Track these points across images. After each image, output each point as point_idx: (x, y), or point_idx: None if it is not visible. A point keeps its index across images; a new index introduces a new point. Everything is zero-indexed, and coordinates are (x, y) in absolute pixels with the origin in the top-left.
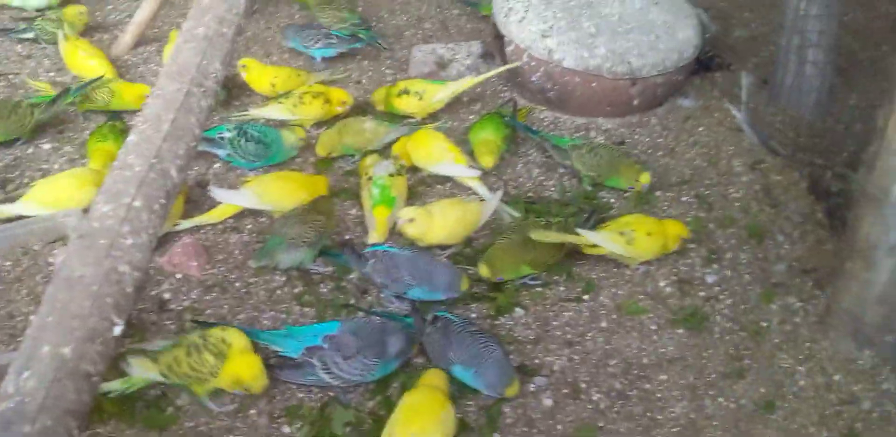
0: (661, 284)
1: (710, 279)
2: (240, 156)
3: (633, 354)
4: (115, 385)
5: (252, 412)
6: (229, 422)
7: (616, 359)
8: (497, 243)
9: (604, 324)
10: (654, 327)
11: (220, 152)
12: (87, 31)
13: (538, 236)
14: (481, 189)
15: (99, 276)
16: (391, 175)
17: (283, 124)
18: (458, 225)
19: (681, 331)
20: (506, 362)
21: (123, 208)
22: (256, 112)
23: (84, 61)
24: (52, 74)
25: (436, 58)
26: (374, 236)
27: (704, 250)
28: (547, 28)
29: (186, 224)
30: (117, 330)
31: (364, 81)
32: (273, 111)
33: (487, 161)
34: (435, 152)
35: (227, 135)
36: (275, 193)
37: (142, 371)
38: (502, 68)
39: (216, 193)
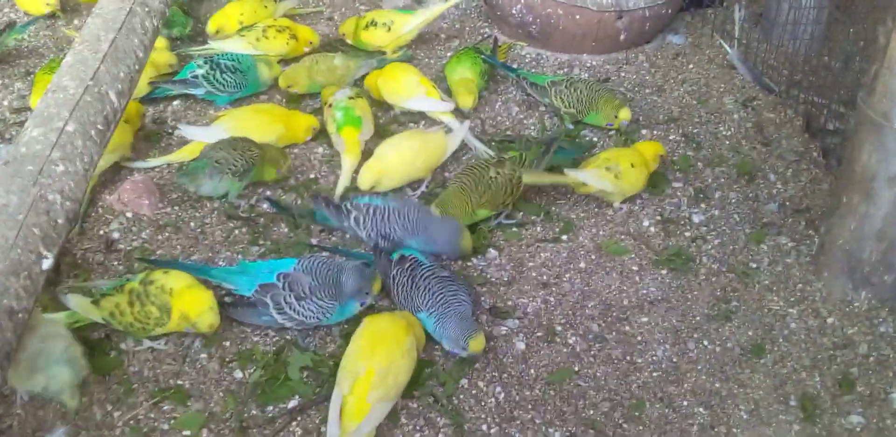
0: (645, 224)
1: (696, 219)
2: (218, 90)
3: (613, 296)
4: (58, 316)
5: (202, 356)
6: (177, 366)
7: (594, 301)
8: (450, 186)
9: (582, 264)
10: (635, 268)
11: (198, 91)
12: None
13: (529, 178)
14: (454, 124)
15: (25, 205)
16: (350, 98)
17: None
18: (416, 158)
19: (664, 272)
20: (470, 317)
21: (55, 133)
22: (217, 45)
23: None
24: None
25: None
26: (347, 159)
27: (691, 190)
28: None
29: (155, 162)
30: (46, 263)
31: (336, 17)
32: (234, 45)
33: (466, 101)
34: (406, 86)
35: (200, 72)
36: (248, 127)
37: (83, 312)
38: None
39: (185, 130)
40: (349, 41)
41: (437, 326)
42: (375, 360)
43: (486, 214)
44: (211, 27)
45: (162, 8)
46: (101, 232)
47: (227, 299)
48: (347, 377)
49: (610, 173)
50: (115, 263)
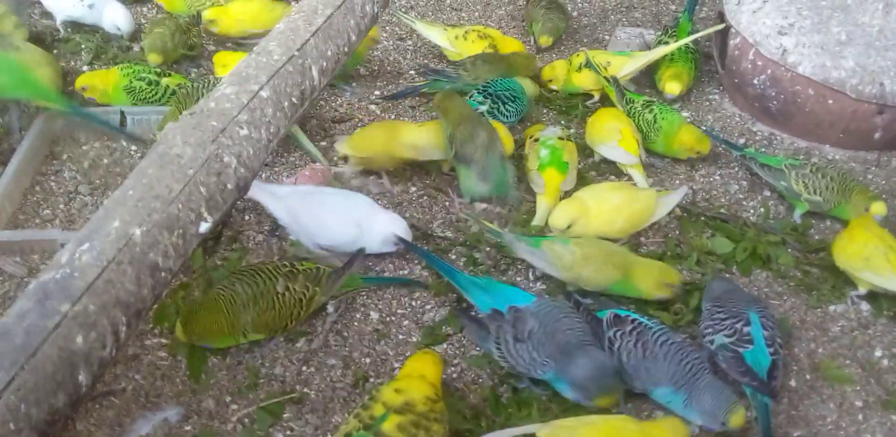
0: (878, 353)
1: None
2: (503, 121)
3: (827, 431)
4: None
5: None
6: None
7: (801, 430)
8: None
9: (793, 383)
10: (859, 404)
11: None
12: None
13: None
14: (640, 180)
15: (198, 160)
16: (561, 139)
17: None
18: (618, 214)
19: (895, 418)
20: (724, 387)
21: (248, 95)
22: (419, 27)
23: None
24: None
25: (641, 42)
26: (544, 202)
27: None
28: (786, 24)
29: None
30: (204, 226)
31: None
32: (434, 34)
33: (674, 87)
34: (605, 131)
35: (484, 108)
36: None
37: None
38: (700, 33)
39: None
40: (555, 87)
41: (689, 401)
42: None
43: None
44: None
45: None
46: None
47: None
48: None
49: None
50: (274, 248)
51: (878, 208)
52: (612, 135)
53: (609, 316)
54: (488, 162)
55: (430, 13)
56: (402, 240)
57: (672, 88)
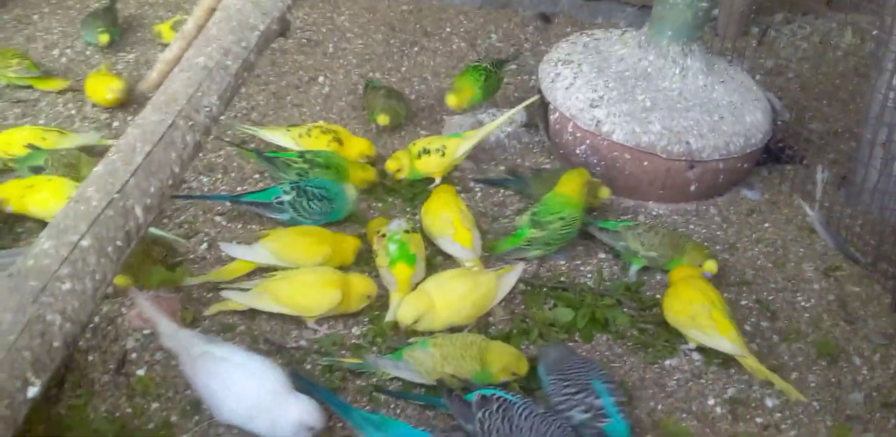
0: (710, 402)
1: (770, 403)
2: (304, 217)
3: None
4: None
5: None
6: None
7: None
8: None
9: None
10: None
11: (283, 217)
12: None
13: None
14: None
15: (19, 325)
16: (406, 232)
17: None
18: (463, 302)
19: None
20: None
21: (67, 247)
22: (262, 132)
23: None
24: None
25: (474, 123)
26: (397, 298)
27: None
28: (597, 97)
29: (193, 281)
30: (32, 391)
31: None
32: (278, 136)
33: (451, 100)
34: (439, 223)
35: (286, 198)
36: (295, 249)
37: None
38: (519, 107)
39: (227, 248)
40: (403, 176)
41: None
42: None
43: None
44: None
45: (207, 122)
46: (115, 348)
47: None
48: None
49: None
50: (121, 387)
51: (710, 266)
52: (445, 228)
53: (476, 398)
54: None
55: (272, 112)
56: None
57: (450, 99)
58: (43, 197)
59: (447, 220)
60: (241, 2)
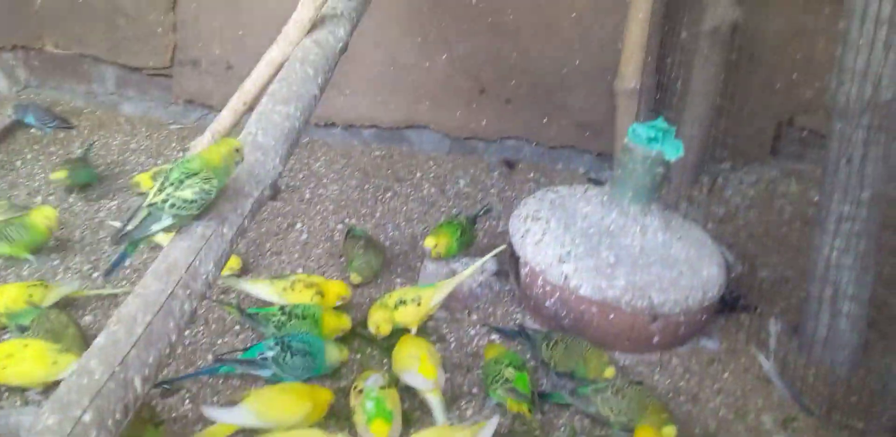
0: None
1: None
2: (286, 373)
3: None
4: None
5: None
6: None
7: None
8: None
9: None
10: None
11: (264, 373)
12: None
13: None
14: (437, 407)
15: None
16: (382, 388)
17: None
18: None
19: None
20: None
21: (70, 422)
22: (247, 286)
23: None
24: None
25: (448, 271)
26: None
27: None
28: (564, 253)
29: None
30: None
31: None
32: (263, 290)
33: (429, 241)
34: (405, 357)
35: (270, 354)
36: (277, 408)
37: None
38: (488, 256)
39: (209, 411)
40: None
41: None
42: None
43: None
44: None
45: (203, 290)
46: None
47: None
48: None
49: None
50: None
51: (669, 433)
52: (411, 362)
53: None
54: None
55: (252, 259)
56: None
57: (428, 241)
58: (25, 369)
59: (414, 356)
60: (236, 171)
